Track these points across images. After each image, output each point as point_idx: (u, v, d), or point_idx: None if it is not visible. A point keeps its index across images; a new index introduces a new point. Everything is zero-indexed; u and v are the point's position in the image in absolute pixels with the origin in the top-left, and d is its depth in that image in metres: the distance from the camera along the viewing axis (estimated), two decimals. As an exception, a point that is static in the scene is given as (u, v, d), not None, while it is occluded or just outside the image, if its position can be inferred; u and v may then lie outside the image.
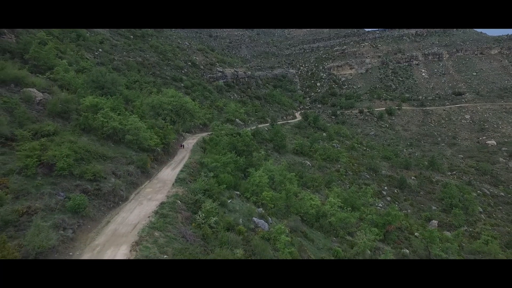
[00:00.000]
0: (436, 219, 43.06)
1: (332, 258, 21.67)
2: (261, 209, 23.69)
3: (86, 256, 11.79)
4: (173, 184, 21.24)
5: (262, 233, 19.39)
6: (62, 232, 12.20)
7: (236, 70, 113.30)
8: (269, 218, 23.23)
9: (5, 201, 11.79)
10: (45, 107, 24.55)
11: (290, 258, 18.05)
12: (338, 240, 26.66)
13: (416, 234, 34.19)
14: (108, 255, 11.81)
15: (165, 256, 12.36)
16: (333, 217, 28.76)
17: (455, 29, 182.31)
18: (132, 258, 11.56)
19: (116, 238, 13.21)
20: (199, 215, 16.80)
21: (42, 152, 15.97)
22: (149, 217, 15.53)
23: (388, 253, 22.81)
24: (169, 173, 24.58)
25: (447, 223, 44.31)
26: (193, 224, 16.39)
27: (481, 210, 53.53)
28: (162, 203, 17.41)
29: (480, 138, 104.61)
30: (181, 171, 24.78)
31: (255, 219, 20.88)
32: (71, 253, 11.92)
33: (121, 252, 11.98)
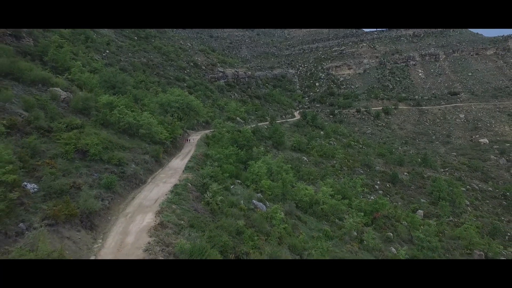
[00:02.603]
0: (423, 210, 46.17)
1: (321, 236, 24.79)
2: (259, 194, 26.88)
3: (122, 220, 14.98)
4: (183, 171, 24.46)
5: (260, 212, 22.57)
6: (101, 202, 15.38)
7: (237, 70, 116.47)
8: (267, 202, 26.39)
9: (57, 176, 14.95)
10: (68, 104, 27.73)
11: (284, 233, 21.24)
12: (328, 224, 29.82)
13: (402, 222, 37.35)
14: (138, 219, 14.98)
15: (181, 222, 15.50)
16: (325, 205, 31.94)
17: (451, 30, 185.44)
18: (157, 222, 14.70)
19: (142, 209, 16.40)
20: (207, 194, 19.98)
21: (76, 141, 19.15)
22: (166, 194, 18.70)
23: (370, 232, 26.02)
24: (178, 162, 27.81)
25: (434, 214, 47.49)
26: (202, 202, 19.58)
27: (468, 203, 56.76)
28: (175, 185, 20.60)
29: (473, 137, 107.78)
30: (189, 161, 28.01)
31: (254, 201, 24.08)
32: (109, 217, 15.12)
33: (148, 217, 15.13)
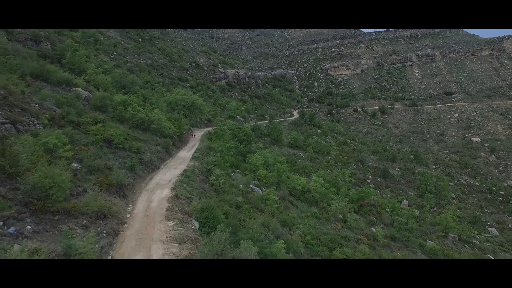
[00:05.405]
0: (407, 201, 49.91)
1: (309, 216, 28.55)
2: (256, 181, 30.70)
3: (145, 193, 18.83)
4: (190, 160, 28.34)
5: (257, 194, 26.39)
6: (128, 179, 19.22)
7: (237, 71, 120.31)
8: (263, 188, 30.19)
9: (93, 158, 18.77)
10: (89, 102, 31.58)
11: (277, 211, 25.00)
12: (318, 209, 33.60)
13: (386, 210, 41.12)
14: (158, 192, 18.81)
15: (192, 196, 19.32)
16: (316, 193, 35.72)
17: (448, 31, 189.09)
18: (173, 194, 18.50)
19: (159, 186, 20.25)
20: (211, 178, 23.84)
21: (103, 132, 22.99)
22: (177, 177, 22.55)
23: (352, 214, 29.84)
24: (185, 153, 31.68)
25: (419, 205, 51.22)
26: (208, 183, 23.44)
27: (454, 196, 60.49)
28: (184, 170, 24.45)
29: (466, 135, 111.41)
30: (195, 152, 31.90)
31: (252, 185, 27.90)
32: (134, 191, 18.97)
33: (165, 191, 18.96)
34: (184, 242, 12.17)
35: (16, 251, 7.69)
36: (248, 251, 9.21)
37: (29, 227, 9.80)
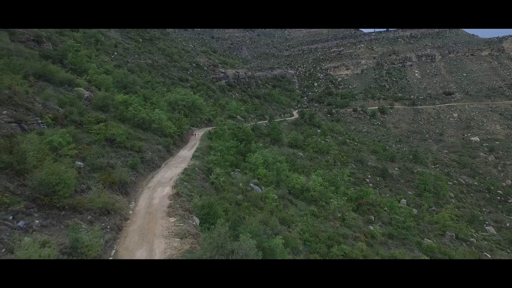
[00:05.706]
0: (406, 200, 50.34)
1: (309, 216, 28.95)
2: (256, 180, 31.12)
3: (146, 191, 19.24)
4: (190, 159, 28.75)
5: (256, 193, 26.82)
6: (130, 177, 19.63)
7: (237, 71, 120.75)
8: (262, 187, 30.60)
9: (96, 157, 19.18)
10: (91, 102, 32.00)
11: (276, 209, 25.43)
12: (317, 207, 34.02)
13: (385, 208, 41.54)
14: (159, 190, 19.23)
15: (192, 193, 19.74)
16: (315, 191, 36.14)
17: (447, 31, 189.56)
18: (174, 192, 18.92)
19: (161, 184, 20.66)
20: (212, 176, 24.26)
21: (105, 131, 23.40)
22: (178, 175, 22.97)
23: (351, 213, 30.25)
24: (186, 153, 32.10)
25: (418, 204, 51.63)
26: (208, 181, 23.86)
27: (452, 196, 60.92)
28: (185, 169, 24.87)
29: (465, 135, 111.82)
30: (195, 151, 32.32)
31: (251, 184, 28.32)
32: (136, 189, 19.39)
33: (166, 189, 19.38)
34: (186, 237, 12.61)
35: (28, 243, 8.13)
36: (247, 244, 9.65)
37: (37, 221, 10.25)
